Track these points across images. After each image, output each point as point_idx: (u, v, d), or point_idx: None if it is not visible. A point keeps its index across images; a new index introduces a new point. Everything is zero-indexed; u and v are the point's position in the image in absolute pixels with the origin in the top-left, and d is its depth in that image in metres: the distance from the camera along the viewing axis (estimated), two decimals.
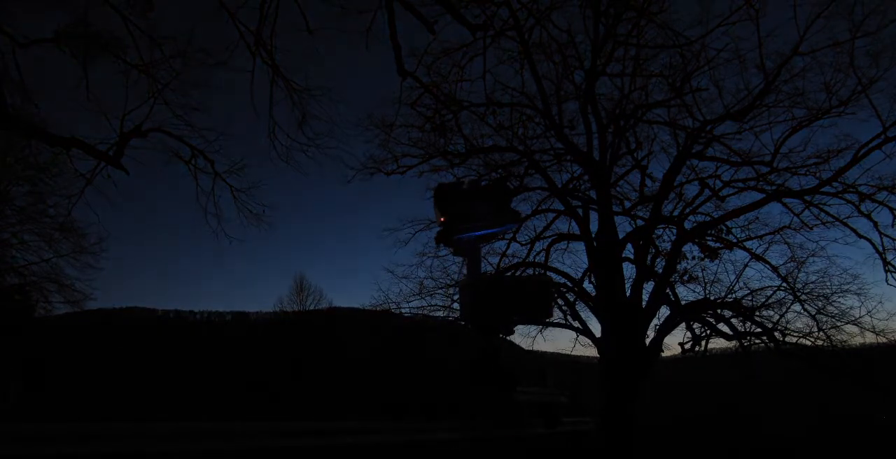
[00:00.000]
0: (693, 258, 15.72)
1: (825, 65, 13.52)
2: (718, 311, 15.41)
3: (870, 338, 14.84)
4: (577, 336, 16.12)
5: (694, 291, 15.80)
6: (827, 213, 14.41)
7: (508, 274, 15.19)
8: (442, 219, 6.61)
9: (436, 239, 6.74)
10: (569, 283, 15.76)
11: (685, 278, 15.70)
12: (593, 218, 15.66)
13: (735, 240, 15.29)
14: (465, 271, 12.56)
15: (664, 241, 15.89)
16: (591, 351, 16.04)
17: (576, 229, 16.13)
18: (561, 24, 14.73)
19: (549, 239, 16.53)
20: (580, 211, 15.88)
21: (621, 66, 15.13)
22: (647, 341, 15.09)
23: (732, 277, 15.44)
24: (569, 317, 15.95)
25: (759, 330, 15.14)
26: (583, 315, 15.89)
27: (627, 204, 16.32)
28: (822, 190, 14.24)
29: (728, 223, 15.29)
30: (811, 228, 14.61)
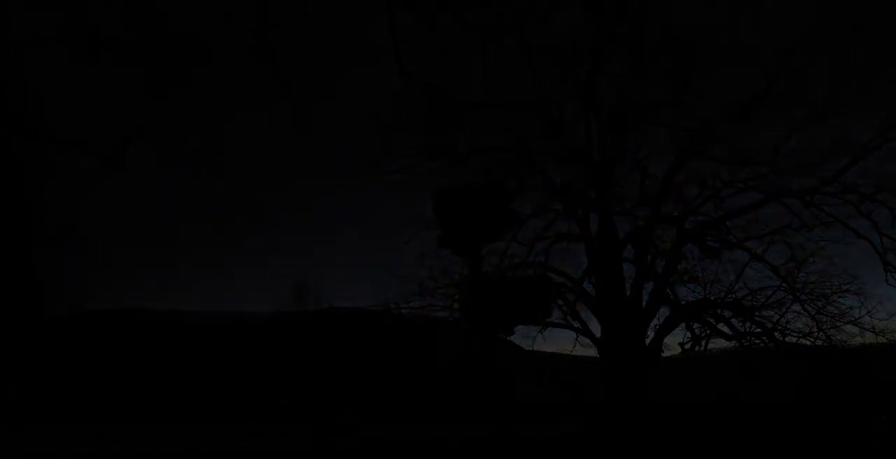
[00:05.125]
0: (693, 258, 15.76)
1: (826, 65, 13.55)
2: (718, 311, 15.43)
3: (870, 338, 14.88)
4: (577, 336, 16.12)
5: (694, 291, 15.83)
6: (827, 213, 14.41)
7: (508, 274, 15.18)
8: (444, 222, 6.63)
9: (438, 241, 6.76)
10: (569, 283, 15.76)
11: (685, 278, 15.73)
12: (593, 218, 15.67)
13: (735, 241, 15.31)
14: (465, 271, 12.61)
15: (664, 241, 15.90)
16: (591, 351, 16.06)
17: (576, 229, 16.13)
18: (562, 23, 14.73)
19: (550, 240, 16.52)
20: (580, 211, 15.88)
21: (621, 66, 15.13)
22: (647, 341, 15.12)
23: (732, 277, 15.46)
24: (569, 317, 15.96)
25: (759, 330, 15.18)
26: (583, 315, 15.89)
27: (627, 204, 16.32)
28: (822, 190, 14.25)
29: (728, 223, 15.32)
30: (811, 229, 14.60)
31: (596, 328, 15.43)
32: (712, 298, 15.46)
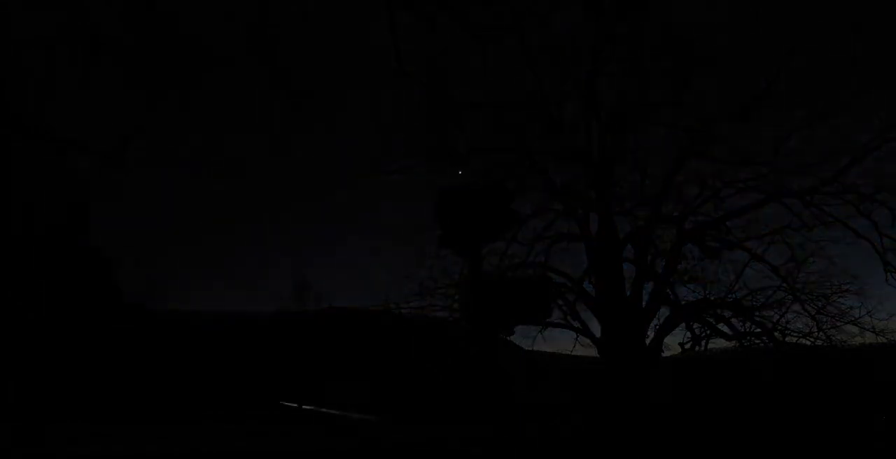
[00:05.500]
0: (693, 258, 15.77)
1: (826, 65, 13.56)
2: (718, 311, 15.44)
3: (870, 338, 14.89)
4: (577, 336, 16.13)
5: (694, 291, 15.84)
6: (827, 213, 14.42)
7: (508, 274, 15.18)
8: (444, 222, 6.63)
9: (438, 241, 6.76)
10: (569, 283, 15.76)
11: (685, 278, 15.74)
12: (593, 218, 15.68)
13: (735, 241, 15.32)
14: (465, 271, 12.62)
15: (664, 241, 15.91)
16: (591, 351, 16.06)
17: (576, 229, 16.13)
18: (562, 23, 14.73)
19: (550, 240, 16.52)
20: (580, 211, 15.88)
21: (622, 66, 15.13)
22: (647, 341, 15.12)
23: (732, 277, 15.47)
24: (569, 317, 15.96)
25: (758, 330, 15.19)
26: (583, 315, 15.89)
27: (627, 204, 16.32)
28: (822, 190, 14.26)
29: (728, 223, 15.32)
30: (811, 229, 14.61)
31: (596, 328, 15.45)
32: (712, 298, 15.48)
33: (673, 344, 15.80)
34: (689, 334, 15.62)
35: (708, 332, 15.51)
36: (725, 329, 15.31)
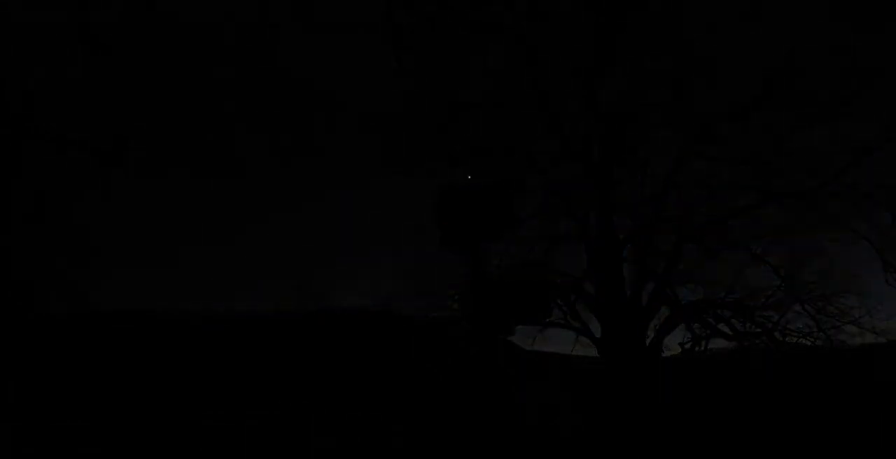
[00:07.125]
0: (693, 258, 15.76)
1: (826, 64, 13.55)
2: (718, 311, 15.44)
3: (870, 338, 14.91)
4: (577, 336, 16.12)
5: (694, 291, 15.83)
6: (827, 213, 14.41)
7: (509, 274, 15.17)
8: (444, 223, 6.64)
9: (438, 241, 6.77)
10: (569, 283, 15.75)
11: (685, 278, 15.72)
12: (593, 218, 15.65)
13: (735, 241, 15.32)
14: (465, 271, 12.62)
15: (664, 241, 15.89)
16: (591, 351, 16.05)
17: (576, 229, 16.12)
18: (562, 22, 14.73)
19: (550, 240, 16.50)
20: (580, 211, 15.87)
21: (622, 66, 15.12)
22: (647, 341, 15.12)
23: (732, 277, 15.47)
24: (569, 317, 15.94)
25: (759, 330, 15.20)
26: (583, 315, 15.88)
27: (628, 203, 16.30)
28: (822, 190, 14.25)
29: (728, 223, 15.32)
30: (811, 229, 14.61)
31: (596, 328, 15.43)
32: (712, 298, 15.47)
33: (673, 344, 15.81)
34: (689, 334, 15.63)
35: (708, 332, 15.51)
36: (725, 329, 15.32)
